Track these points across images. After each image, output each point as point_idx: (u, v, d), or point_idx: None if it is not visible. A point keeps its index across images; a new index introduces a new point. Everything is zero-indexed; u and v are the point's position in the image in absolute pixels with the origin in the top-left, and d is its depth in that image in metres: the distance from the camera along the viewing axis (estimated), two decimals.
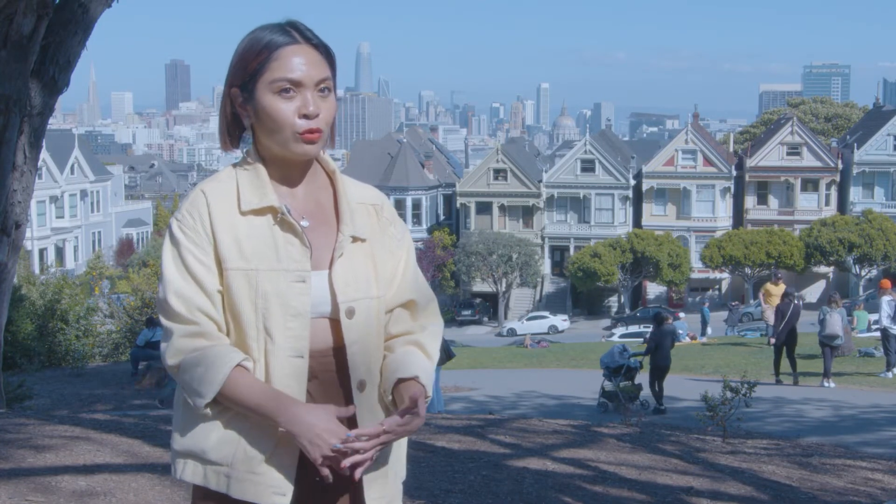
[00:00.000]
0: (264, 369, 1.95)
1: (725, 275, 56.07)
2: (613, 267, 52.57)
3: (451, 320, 52.80)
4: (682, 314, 40.73)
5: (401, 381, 2.01)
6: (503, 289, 56.33)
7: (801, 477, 6.31)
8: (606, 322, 53.04)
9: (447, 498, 4.91)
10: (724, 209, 57.73)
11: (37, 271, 34.80)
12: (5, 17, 5.79)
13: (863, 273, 52.49)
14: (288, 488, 1.94)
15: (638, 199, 58.95)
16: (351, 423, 1.98)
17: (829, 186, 57.08)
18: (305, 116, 1.96)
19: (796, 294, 17.45)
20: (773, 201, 58.09)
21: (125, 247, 64.22)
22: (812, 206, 56.88)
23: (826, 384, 15.04)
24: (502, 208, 59.88)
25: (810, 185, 57.37)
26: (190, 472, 1.99)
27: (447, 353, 11.66)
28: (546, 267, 59.48)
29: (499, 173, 59.91)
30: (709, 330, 31.77)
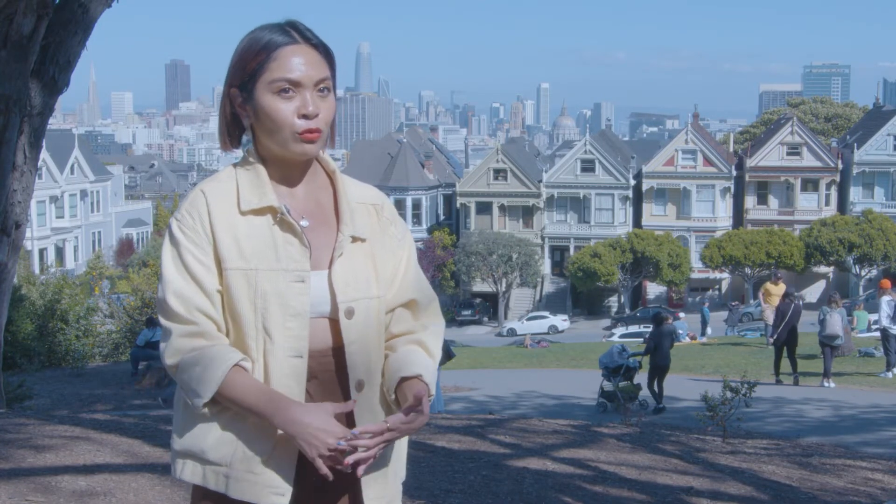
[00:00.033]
0: (263, 369, 1.95)
1: (725, 275, 56.08)
2: (613, 267, 52.58)
3: (451, 320, 52.79)
4: (682, 314, 40.75)
5: (404, 379, 2.01)
6: (503, 289, 56.33)
7: (801, 477, 6.31)
8: (606, 322, 53.05)
9: (447, 498, 4.91)
10: (724, 209, 57.74)
11: (37, 271, 34.80)
12: (5, 17, 5.79)
13: (863, 273, 52.50)
14: (286, 488, 1.94)
15: (638, 199, 58.96)
16: (349, 423, 1.98)
17: (829, 186, 57.09)
18: (305, 116, 1.96)
19: (796, 294, 17.42)
20: (773, 201, 58.09)
21: (125, 247, 64.22)
22: (812, 206, 56.88)
23: (826, 384, 15.04)
24: (502, 208, 59.88)
25: (810, 185, 57.37)
26: (189, 472, 1.99)
27: (447, 354, 11.66)
28: (546, 267, 59.48)
29: (499, 173, 59.91)
30: (709, 330, 31.77)
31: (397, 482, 2.12)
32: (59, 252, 58.12)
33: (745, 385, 8.31)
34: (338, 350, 2.00)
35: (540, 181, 59.30)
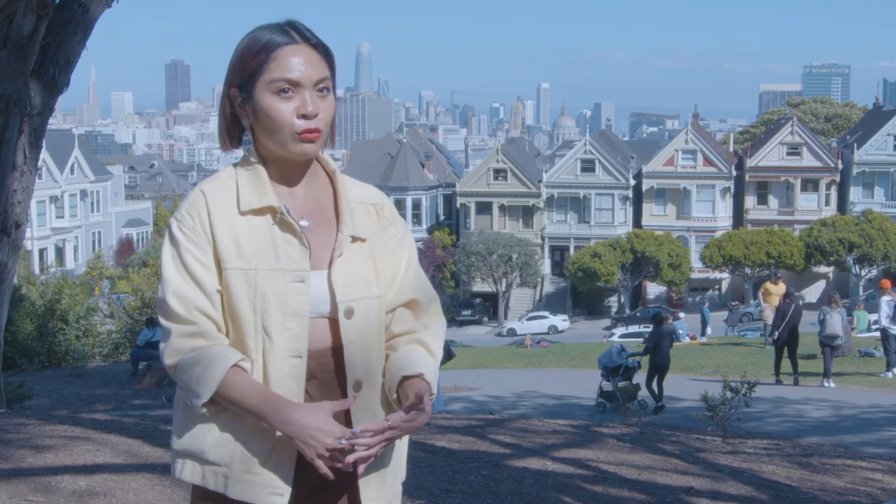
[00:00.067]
0: (263, 369, 1.95)
1: (725, 275, 56.08)
2: (613, 267, 52.58)
3: (451, 320, 52.78)
4: (682, 314, 40.75)
5: (405, 378, 2.01)
6: (503, 289, 56.33)
7: (801, 477, 6.31)
8: (606, 322, 53.05)
9: (447, 498, 4.91)
10: (724, 209, 57.74)
11: (37, 271, 34.80)
12: (5, 17, 5.79)
13: (863, 273, 52.50)
14: (285, 489, 1.94)
15: (638, 199, 58.96)
16: (347, 423, 1.98)
17: (829, 186, 57.09)
18: (304, 116, 1.95)
19: (797, 294, 17.42)
20: (773, 201, 58.10)
21: (125, 247, 64.23)
22: (812, 206, 56.88)
23: (826, 384, 15.04)
24: (502, 208, 59.89)
25: (810, 185, 57.37)
26: (188, 472, 1.99)
27: (447, 354, 11.65)
28: (546, 267, 59.48)
29: (499, 173, 59.92)
30: (709, 330, 31.77)
31: (397, 482, 2.12)
32: (59, 252, 58.13)
33: (745, 385, 8.31)
34: (337, 350, 2.00)
35: (540, 181, 59.31)
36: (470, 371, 21.00)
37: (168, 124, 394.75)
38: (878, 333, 18.15)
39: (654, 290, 57.54)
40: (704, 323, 32.01)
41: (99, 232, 64.08)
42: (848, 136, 61.58)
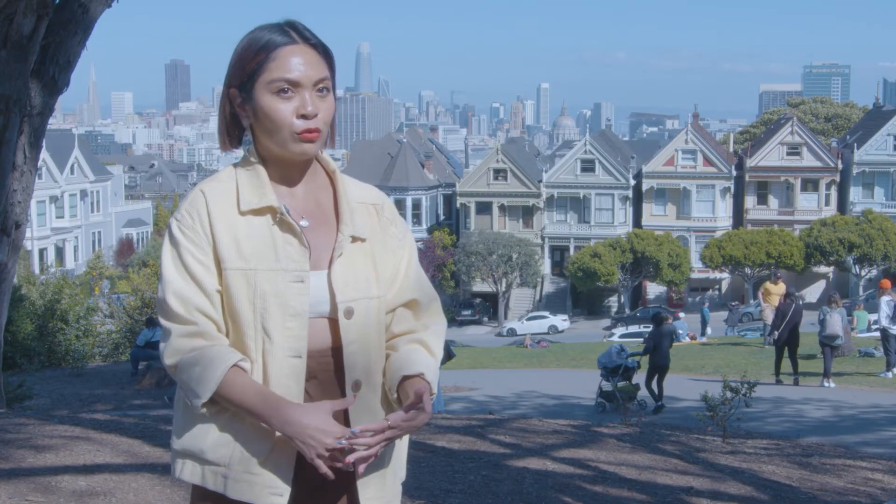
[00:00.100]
0: (262, 369, 1.95)
1: (725, 275, 56.08)
2: (613, 267, 52.58)
3: (451, 320, 52.79)
4: (682, 314, 40.75)
5: (405, 378, 2.01)
6: (503, 289, 56.33)
7: (801, 477, 6.31)
8: (606, 322, 53.06)
9: (447, 498, 4.91)
10: (724, 209, 57.74)
11: (37, 271, 34.81)
12: (5, 17, 5.79)
13: (863, 273, 52.51)
14: (285, 489, 1.94)
15: (638, 199, 58.96)
16: (346, 423, 1.97)
17: (829, 186, 57.10)
18: (303, 116, 1.95)
19: (797, 294, 17.42)
20: (773, 201, 58.10)
21: (125, 247, 64.23)
22: (812, 206, 56.89)
23: (826, 384, 15.04)
24: (502, 208, 59.89)
25: (810, 185, 57.38)
26: (188, 472, 1.99)
27: (447, 354, 11.65)
28: (546, 267, 59.49)
29: (499, 173, 59.92)
30: (709, 330, 31.77)
31: (396, 483, 2.12)
32: (59, 252, 58.13)
33: (745, 385, 8.31)
34: (337, 350, 2.00)
35: (540, 181, 59.31)
36: (470, 371, 21.00)
37: (168, 124, 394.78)
38: (878, 333, 18.15)
39: (654, 290, 57.55)
40: (704, 323, 32.01)
41: (99, 232, 64.08)
42: (848, 136, 61.58)
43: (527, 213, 60.00)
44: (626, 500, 5.14)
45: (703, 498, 5.33)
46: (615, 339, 38.50)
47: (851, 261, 51.90)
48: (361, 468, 1.91)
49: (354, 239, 2.04)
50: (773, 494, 5.59)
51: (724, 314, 40.44)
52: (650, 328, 17.10)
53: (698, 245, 55.97)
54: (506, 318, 55.98)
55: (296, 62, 1.95)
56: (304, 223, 2.01)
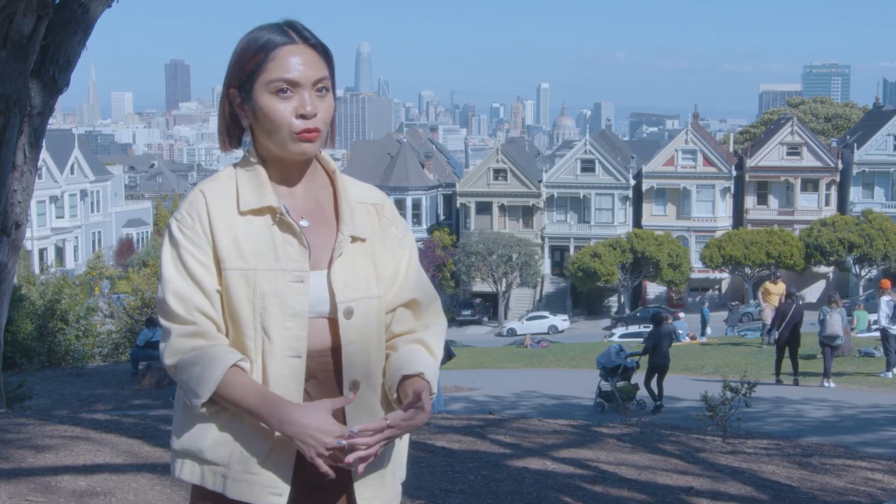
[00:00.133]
0: (262, 369, 1.95)
1: (725, 275, 56.08)
2: (613, 267, 52.58)
3: (451, 320, 52.79)
4: (682, 314, 40.73)
5: (405, 377, 2.00)
6: (503, 289, 56.33)
7: (801, 477, 6.31)
8: (606, 322, 53.06)
9: (447, 498, 4.91)
10: (724, 209, 57.75)
11: (37, 271, 34.81)
12: (5, 17, 5.79)
13: (863, 273, 52.51)
14: (284, 488, 1.94)
15: (638, 199, 58.96)
16: (344, 422, 1.97)
17: (829, 186, 57.10)
18: (303, 116, 1.95)
19: (797, 294, 17.42)
20: (773, 201, 58.10)
21: (125, 247, 64.23)
22: (812, 206, 56.89)
23: (826, 384, 15.04)
24: (502, 208, 59.89)
25: (810, 185, 57.38)
26: (188, 471, 1.99)
27: (447, 354, 11.65)
28: (546, 267, 59.49)
29: (499, 173, 59.92)
30: (708, 330, 31.77)
31: (396, 483, 2.11)
32: (59, 252, 58.13)
33: (745, 385, 8.31)
34: (337, 350, 2.00)
35: (540, 181, 59.31)
36: (470, 371, 21.00)
37: (168, 124, 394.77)
38: (878, 333, 18.15)
39: (654, 290, 57.54)
40: (704, 323, 32.01)
41: (99, 232, 64.08)
42: (848, 136, 61.59)
43: (527, 213, 60.00)
44: (626, 500, 5.14)
45: (703, 498, 5.33)
46: (615, 339, 38.49)
47: (851, 261, 51.90)
48: (361, 468, 1.90)
49: (354, 239, 2.04)
50: (773, 494, 5.59)
51: (724, 314, 40.43)
52: (650, 328, 17.11)
53: (698, 245, 55.97)
54: (506, 318, 55.98)
55: (295, 62, 1.95)
56: (303, 223, 2.01)
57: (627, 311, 54.39)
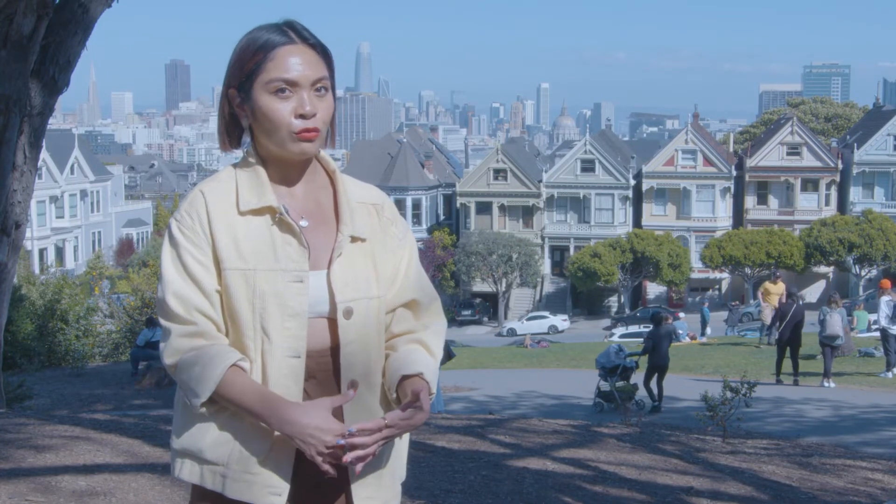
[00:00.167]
0: (261, 369, 1.95)
1: (725, 275, 56.09)
2: (613, 267, 52.59)
3: (451, 320, 52.78)
4: (681, 314, 40.74)
5: (404, 378, 2.00)
6: (503, 289, 56.34)
7: (801, 477, 6.31)
8: (606, 322, 53.06)
9: (447, 498, 4.91)
10: (724, 209, 57.75)
11: (37, 271, 34.80)
12: (5, 17, 5.79)
13: (863, 273, 52.51)
14: (284, 488, 1.94)
15: (638, 199, 58.97)
16: (342, 421, 1.97)
17: (829, 186, 57.10)
18: (302, 116, 1.95)
19: (798, 294, 17.41)
20: (773, 201, 58.11)
21: (125, 247, 64.24)
22: (812, 206, 56.89)
23: (826, 384, 15.04)
24: (502, 208, 59.89)
25: (810, 185, 57.38)
26: (187, 471, 1.99)
27: (447, 354, 11.65)
28: (546, 267, 59.49)
29: (499, 173, 59.93)
30: (708, 330, 31.77)
31: (395, 483, 2.11)
32: (59, 252, 58.14)
33: (745, 385, 8.31)
34: (336, 350, 2.00)
35: (540, 181, 59.32)
36: (470, 371, 21.00)
37: (168, 124, 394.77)
38: (878, 333, 18.15)
39: (654, 290, 57.55)
40: (704, 323, 32.01)
41: (99, 232, 64.09)
42: (848, 136, 61.59)
43: (527, 213, 60.01)
44: (626, 500, 5.14)
45: (703, 498, 5.33)
46: (615, 339, 38.47)
47: (851, 261, 51.90)
48: (359, 467, 1.90)
49: (354, 239, 2.04)
50: (773, 494, 5.59)
51: (724, 314, 40.43)
52: (650, 328, 17.11)
53: (698, 245, 55.97)
54: (506, 318, 55.98)
55: (294, 62, 1.95)
56: (303, 223, 2.01)
57: (627, 311, 54.39)
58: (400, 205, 57.79)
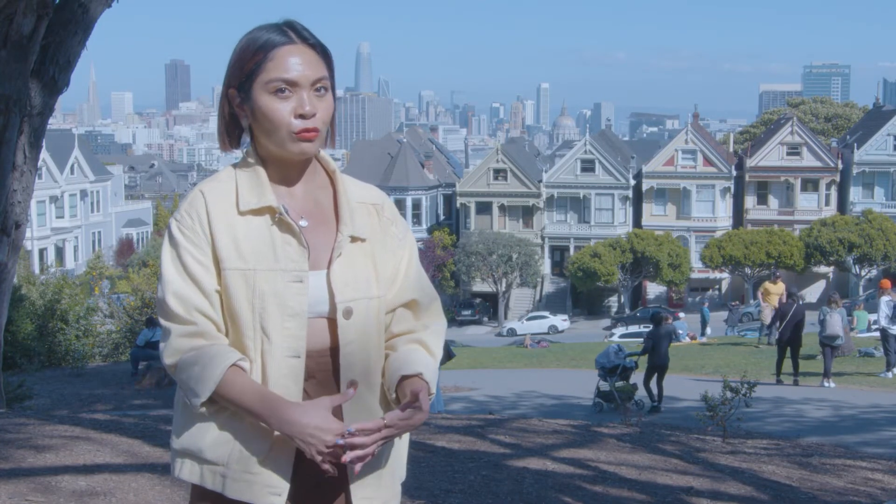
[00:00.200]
0: (261, 369, 1.95)
1: (725, 275, 56.09)
2: (613, 267, 52.59)
3: (451, 320, 52.78)
4: (681, 314, 40.74)
5: (404, 378, 2.00)
6: (503, 289, 56.34)
7: (801, 477, 6.31)
8: (606, 322, 53.06)
9: (447, 498, 4.91)
10: (724, 209, 57.75)
11: (37, 271, 34.80)
12: (5, 17, 5.79)
13: (863, 273, 52.51)
14: (284, 488, 1.94)
15: (638, 199, 58.97)
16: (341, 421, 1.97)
17: (829, 186, 57.10)
18: (301, 116, 1.95)
19: (798, 294, 17.41)
20: (773, 201, 58.11)
21: (125, 247, 64.24)
22: (812, 206, 56.90)
23: (826, 384, 15.04)
24: (502, 208, 59.90)
25: (810, 185, 57.39)
26: (187, 471, 1.99)
27: (447, 354, 11.65)
28: (546, 267, 59.49)
29: (499, 173, 59.93)
30: (708, 330, 31.77)
31: (395, 483, 2.11)
32: (59, 252, 58.14)
33: (745, 385, 8.31)
34: (336, 350, 2.00)
35: (540, 181, 59.32)
36: (470, 371, 21.00)
37: (168, 124, 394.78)
38: (878, 333, 18.15)
39: (654, 290, 57.55)
40: (704, 323, 32.01)
41: (99, 232, 64.09)
42: (848, 136, 61.59)
43: (527, 213, 60.01)
44: (626, 500, 5.14)
45: (703, 498, 5.33)
46: (615, 339, 38.46)
47: (851, 261, 51.90)
48: (358, 467, 1.90)
49: (354, 239, 2.04)
50: (773, 494, 5.59)
51: (724, 314, 40.44)
52: (649, 328, 17.11)
53: (698, 245, 55.98)
54: (506, 318, 55.98)
55: (293, 62, 1.95)
56: (303, 223, 2.01)
57: (627, 311, 54.40)
58: (400, 205, 57.79)
